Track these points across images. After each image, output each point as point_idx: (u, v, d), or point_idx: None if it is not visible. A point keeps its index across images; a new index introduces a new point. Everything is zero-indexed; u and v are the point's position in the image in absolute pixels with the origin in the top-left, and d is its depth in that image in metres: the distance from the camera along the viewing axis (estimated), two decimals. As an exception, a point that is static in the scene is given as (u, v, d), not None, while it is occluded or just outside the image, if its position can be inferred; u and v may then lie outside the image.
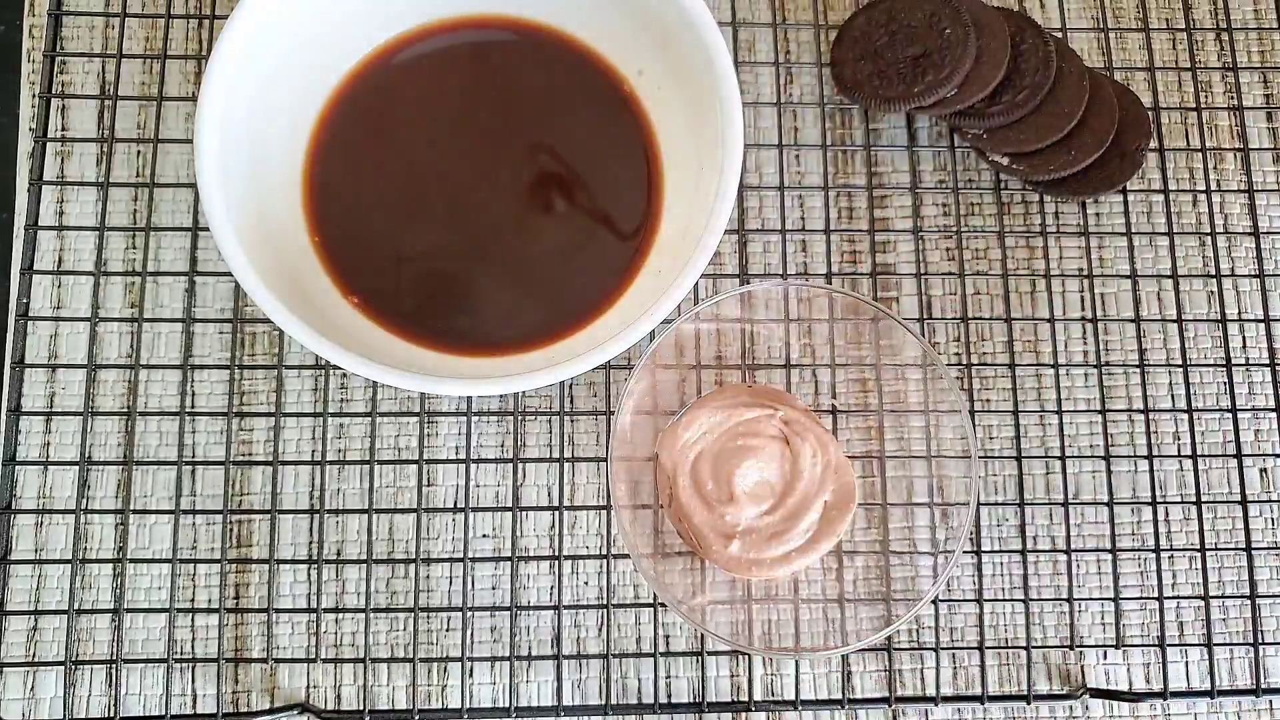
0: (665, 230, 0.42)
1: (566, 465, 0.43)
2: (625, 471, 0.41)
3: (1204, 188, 0.46)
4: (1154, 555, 0.43)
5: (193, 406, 0.43)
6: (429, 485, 0.43)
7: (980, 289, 0.45)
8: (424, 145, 0.43)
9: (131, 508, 0.42)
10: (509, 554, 0.42)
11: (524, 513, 0.43)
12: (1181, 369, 0.45)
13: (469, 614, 0.42)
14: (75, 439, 0.43)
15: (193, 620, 0.42)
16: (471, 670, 0.42)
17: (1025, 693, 0.42)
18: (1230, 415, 0.44)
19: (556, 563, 0.42)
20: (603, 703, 0.41)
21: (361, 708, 0.41)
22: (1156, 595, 0.43)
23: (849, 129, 0.47)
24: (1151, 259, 0.46)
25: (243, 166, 0.39)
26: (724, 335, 0.44)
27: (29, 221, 0.44)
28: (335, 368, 0.43)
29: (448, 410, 0.43)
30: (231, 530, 0.42)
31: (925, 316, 0.45)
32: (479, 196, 0.42)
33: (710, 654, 0.42)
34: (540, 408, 0.44)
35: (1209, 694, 0.42)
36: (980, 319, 0.45)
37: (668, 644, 0.42)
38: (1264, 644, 0.43)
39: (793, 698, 0.42)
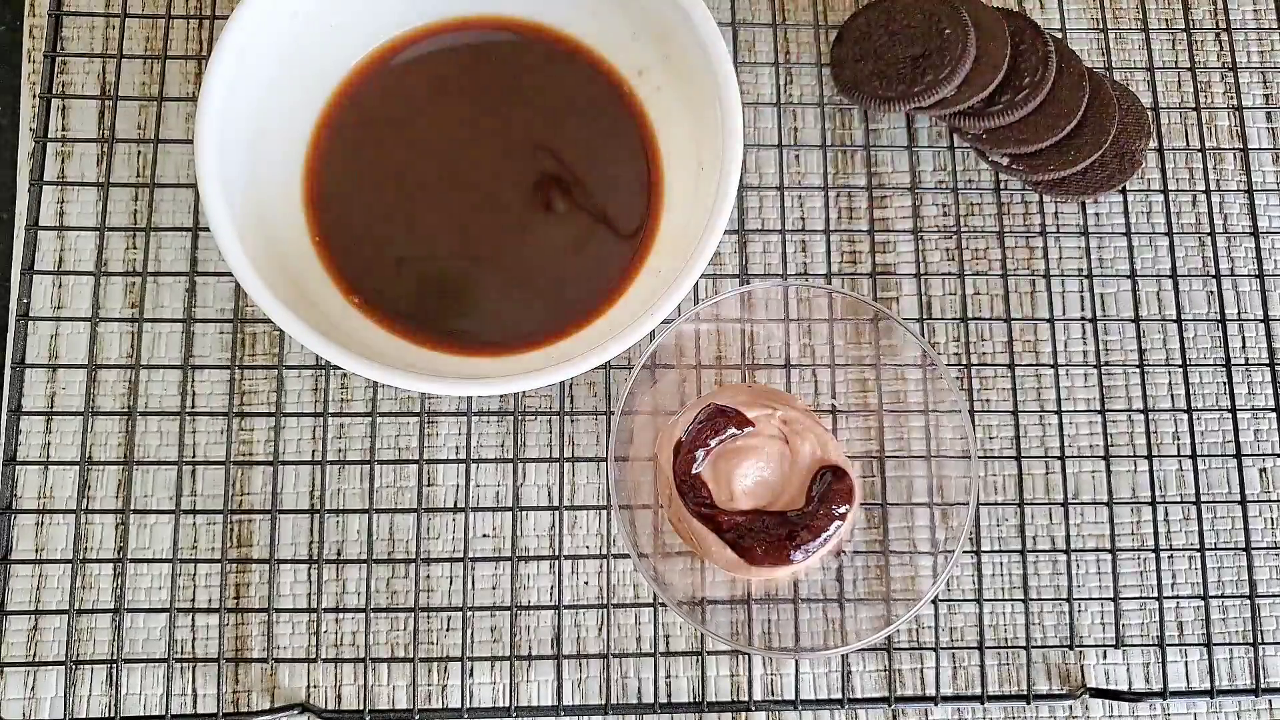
0: (665, 230, 0.42)
1: (566, 465, 0.43)
2: (625, 471, 0.41)
3: (1204, 188, 0.46)
4: (1154, 555, 0.43)
5: (193, 406, 0.43)
6: (429, 485, 0.43)
7: (980, 289, 0.45)
8: (425, 145, 0.43)
9: (132, 508, 0.42)
10: (509, 554, 0.42)
11: (524, 513, 0.43)
12: (1181, 369, 0.45)
13: (469, 614, 0.42)
14: (76, 439, 0.43)
15: (193, 620, 0.42)
16: (472, 670, 0.42)
17: (1025, 692, 0.42)
18: (1230, 415, 0.44)
19: (556, 562, 0.42)
20: (603, 702, 0.41)
21: (362, 707, 0.41)
22: (1156, 595, 0.43)
23: (849, 129, 0.47)
24: (1151, 259, 0.46)
25: (243, 167, 0.40)
26: (724, 335, 0.44)
27: (29, 222, 0.44)
28: (336, 368, 0.43)
29: (448, 410, 0.43)
30: (232, 530, 0.42)
31: (925, 316, 0.45)
32: (479, 197, 0.42)
33: (710, 654, 0.42)
34: (540, 408, 0.44)
35: (1209, 694, 0.42)
36: (980, 319, 0.45)
37: (668, 644, 0.42)
38: (1263, 644, 0.43)
39: (792, 697, 0.42)
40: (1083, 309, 0.45)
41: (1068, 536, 0.43)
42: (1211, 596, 0.43)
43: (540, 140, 0.43)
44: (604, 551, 0.43)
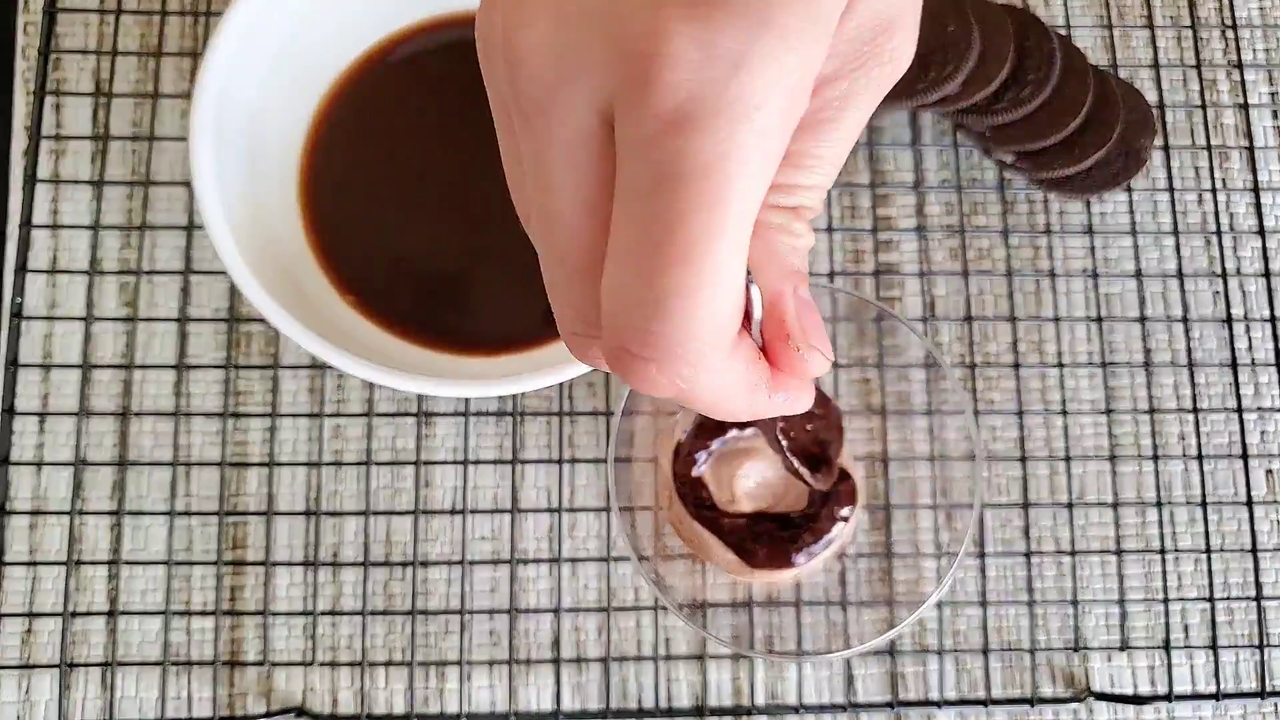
0: (666, 229, 0.41)
1: (566, 466, 0.43)
2: (625, 473, 0.40)
3: (1209, 186, 0.46)
4: (1159, 557, 0.43)
5: (188, 407, 0.43)
6: (426, 487, 0.43)
7: (984, 288, 0.45)
8: (421, 143, 0.43)
9: (126, 509, 0.42)
10: (508, 556, 0.42)
11: (523, 515, 0.43)
12: (1187, 369, 0.44)
13: (467, 617, 0.42)
14: (69, 439, 0.42)
15: (188, 623, 0.41)
16: (469, 674, 0.41)
17: (1029, 696, 0.42)
18: (1236, 416, 0.44)
19: (556, 565, 0.42)
20: (603, 707, 0.41)
21: (358, 711, 0.41)
22: (1162, 597, 0.42)
23: (851, 127, 0.46)
24: (1157, 258, 0.45)
25: (239, 165, 0.39)
26: (725, 335, 0.43)
27: (23, 220, 0.44)
28: (332, 368, 0.43)
29: (445, 411, 0.43)
30: (227, 532, 0.42)
31: (929, 316, 0.44)
32: (477, 194, 0.42)
33: (711, 657, 0.42)
34: (539, 408, 0.43)
35: (1214, 697, 0.42)
36: (984, 319, 0.45)
37: (668, 647, 0.42)
38: (1269, 646, 0.42)
39: (795, 702, 0.41)
40: (1088, 309, 0.45)
41: (1072, 538, 0.43)
42: (1217, 599, 0.43)
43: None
44: (604, 554, 0.42)
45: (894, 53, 0.20)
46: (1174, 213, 0.46)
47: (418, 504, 0.42)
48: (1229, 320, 0.45)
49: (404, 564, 0.42)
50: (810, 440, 0.37)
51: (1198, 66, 0.47)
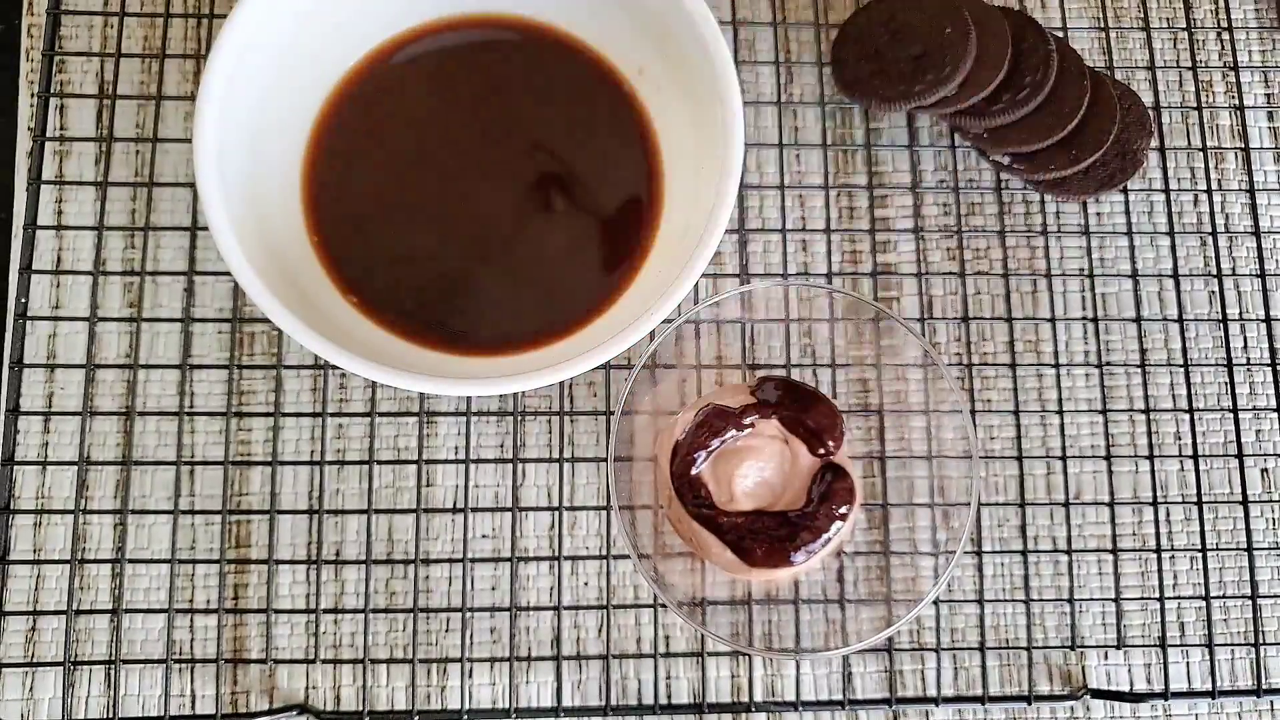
0: (665, 230, 0.42)
1: (566, 465, 0.43)
2: (625, 472, 0.41)
3: (1205, 187, 0.46)
4: (1155, 555, 0.43)
5: (191, 406, 0.43)
6: (428, 485, 0.43)
7: (981, 289, 0.45)
8: (424, 145, 0.43)
9: (130, 508, 0.42)
10: (508, 555, 0.42)
11: (523, 513, 0.43)
12: (1183, 369, 0.45)
13: (468, 615, 0.42)
14: (74, 439, 0.43)
15: (191, 621, 0.42)
16: (471, 671, 0.42)
17: (1026, 693, 0.42)
18: (1231, 415, 0.44)
19: (556, 563, 0.42)
20: (603, 704, 0.41)
21: (361, 709, 0.41)
22: (1158, 596, 0.43)
23: (849, 128, 0.47)
24: (1153, 258, 0.46)
25: (242, 166, 0.39)
26: (724, 335, 0.44)
27: (27, 221, 0.44)
28: (334, 368, 0.43)
29: (447, 410, 0.43)
30: (230, 530, 0.42)
31: (926, 316, 0.45)
32: (479, 196, 0.42)
33: (710, 655, 0.42)
34: (540, 408, 0.44)
35: (1210, 694, 0.42)
36: (981, 319, 0.45)
37: (668, 645, 0.42)
38: (1265, 644, 0.43)
39: (793, 698, 0.42)
40: (1084, 309, 0.45)
41: (1069, 537, 0.43)
42: (1213, 597, 0.43)
43: (539, 139, 0.43)
44: (604, 552, 0.42)
45: None
46: (1170, 213, 0.46)
47: (419, 502, 0.42)
48: (1224, 320, 0.45)
49: (406, 562, 0.42)
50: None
51: (1194, 68, 0.47)
